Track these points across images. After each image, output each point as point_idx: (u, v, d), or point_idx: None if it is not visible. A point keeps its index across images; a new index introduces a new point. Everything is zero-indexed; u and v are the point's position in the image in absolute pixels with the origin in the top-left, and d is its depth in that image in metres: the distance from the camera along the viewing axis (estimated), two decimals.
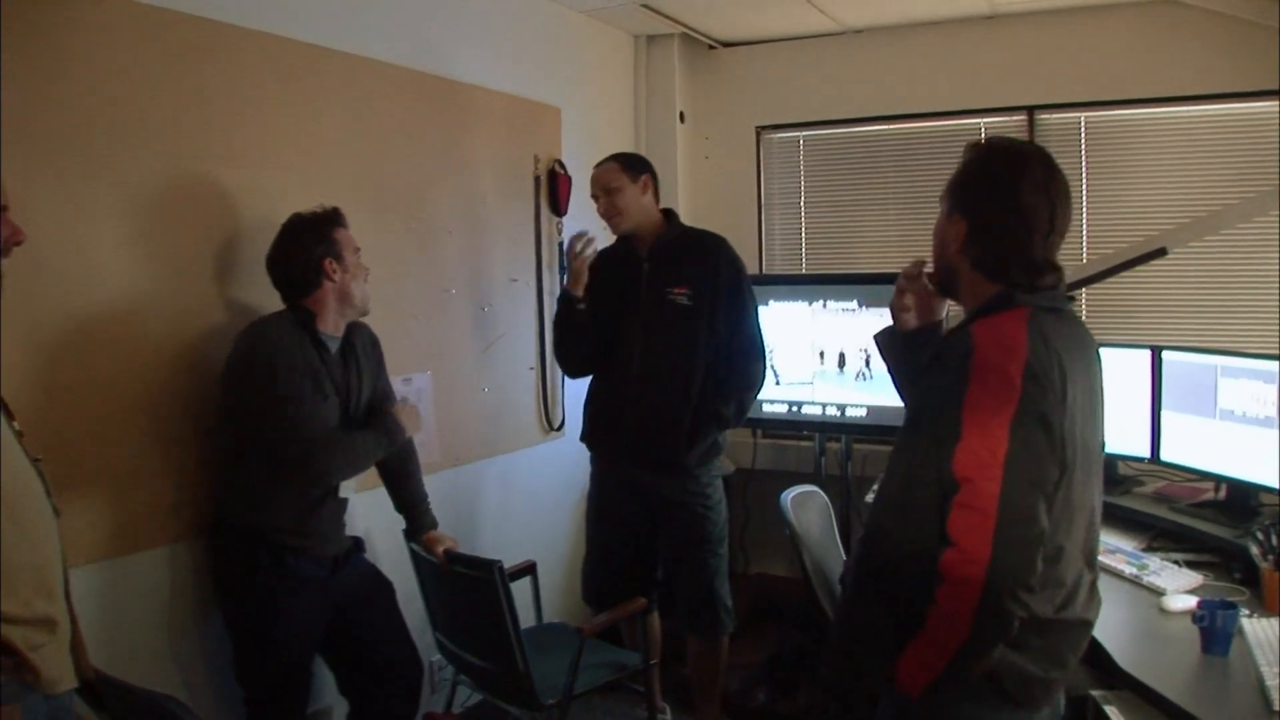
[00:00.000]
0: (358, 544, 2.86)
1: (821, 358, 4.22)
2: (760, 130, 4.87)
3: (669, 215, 3.38)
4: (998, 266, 1.80)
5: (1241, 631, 2.33)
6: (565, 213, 4.11)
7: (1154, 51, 4.03)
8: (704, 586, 3.33)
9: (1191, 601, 2.50)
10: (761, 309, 3.39)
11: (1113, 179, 4.14)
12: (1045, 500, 1.64)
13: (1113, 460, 3.32)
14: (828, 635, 2.11)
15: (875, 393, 4.09)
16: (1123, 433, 3.22)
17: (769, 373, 3.43)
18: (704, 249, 3.31)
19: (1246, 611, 2.43)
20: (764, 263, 4.87)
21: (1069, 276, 2.52)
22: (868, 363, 4.10)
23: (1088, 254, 4.18)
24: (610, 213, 3.29)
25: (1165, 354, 3.24)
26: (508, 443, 3.92)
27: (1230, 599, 2.45)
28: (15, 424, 1.72)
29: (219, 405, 2.65)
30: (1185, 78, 3.97)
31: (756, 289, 3.40)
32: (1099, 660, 2.24)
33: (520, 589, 3.06)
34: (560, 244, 4.10)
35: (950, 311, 2.22)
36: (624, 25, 4.63)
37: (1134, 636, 2.41)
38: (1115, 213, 4.11)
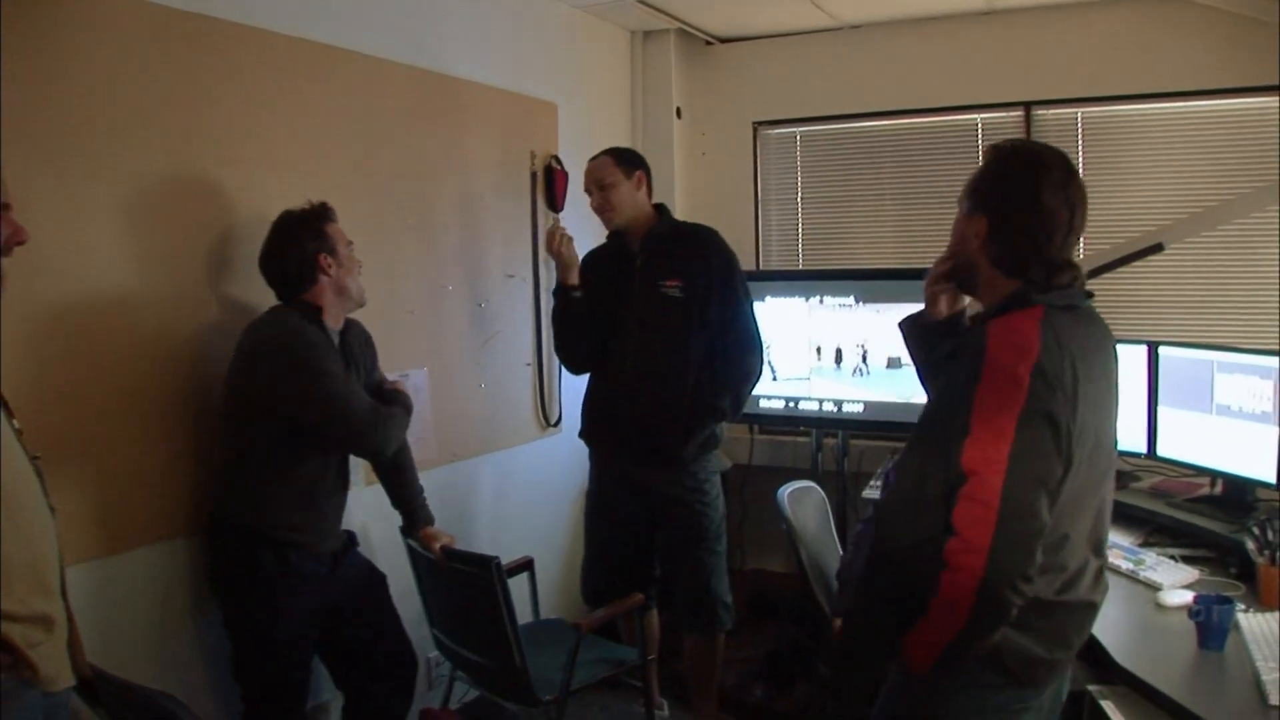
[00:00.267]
0: (351, 539, 2.87)
1: (818, 353, 4.22)
2: (757, 126, 4.87)
3: (660, 209, 3.38)
4: (1017, 264, 1.85)
5: (1237, 626, 2.33)
6: (562, 209, 4.10)
7: (1150, 47, 4.03)
8: (702, 584, 3.33)
9: (1188, 596, 2.50)
10: (758, 305, 3.39)
11: (1109, 175, 4.14)
12: (1047, 496, 1.70)
13: None
14: (842, 620, 2.16)
15: (872, 388, 4.09)
16: (1119, 428, 3.22)
17: (766, 368, 3.43)
18: (696, 241, 3.31)
19: (1242, 606, 2.44)
20: (761, 258, 4.87)
21: None
22: (864, 358, 4.10)
23: (1084, 250, 4.17)
24: (604, 208, 3.29)
25: (1162, 349, 3.25)
26: (505, 439, 3.92)
27: (1226, 594, 2.46)
28: (15, 422, 1.72)
29: (237, 399, 2.62)
30: (1182, 73, 3.97)
31: (753, 285, 3.40)
32: (1095, 655, 2.24)
33: (517, 585, 3.06)
34: (556, 220, 4.09)
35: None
36: (620, 21, 4.62)
37: (1130, 631, 2.42)
38: (1112, 208, 4.11)
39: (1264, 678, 2.08)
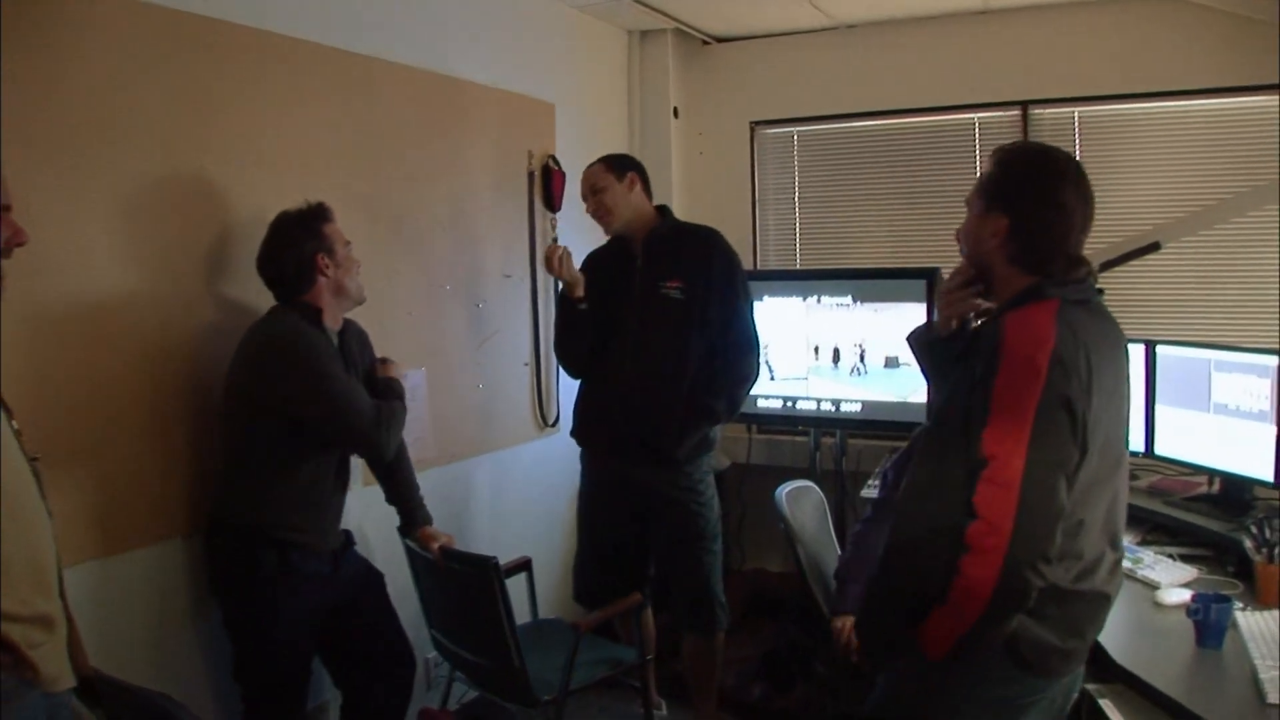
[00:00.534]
0: (348, 538, 2.87)
1: (816, 353, 4.22)
2: (754, 126, 4.87)
3: (663, 211, 3.38)
4: (1037, 261, 1.89)
5: (1235, 625, 2.34)
6: (559, 208, 4.10)
7: (1147, 46, 4.03)
8: (699, 584, 3.32)
9: (1186, 595, 2.51)
10: (756, 304, 3.39)
11: (1106, 174, 4.14)
12: (1066, 480, 1.75)
13: None
14: (858, 611, 2.21)
15: (870, 387, 4.09)
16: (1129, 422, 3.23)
17: (764, 368, 3.43)
18: (697, 242, 3.31)
19: (1240, 605, 2.44)
20: (758, 258, 4.87)
21: None
22: (862, 357, 4.11)
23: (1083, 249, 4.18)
24: (600, 212, 3.30)
25: (1159, 348, 3.25)
26: (502, 439, 3.92)
27: (1224, 592, 2.47)
28: (14, 422, 1.72)
29: (238, 399, 2.62)
30: (1178, 72, 3.98)
31: (751, 284, 3.40)
32: (1093, 653, 2.24)
33: (516, 585, 3.06)
34: (554, 239, 4.10)
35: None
36: (618, 21, 4.62)
37: (1128, 630, 2.42)
38: (1109, 207, 4.10)
39: (1262, 676, 2.08)
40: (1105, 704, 2.23)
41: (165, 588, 2.65)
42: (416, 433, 3.19)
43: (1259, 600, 2.53)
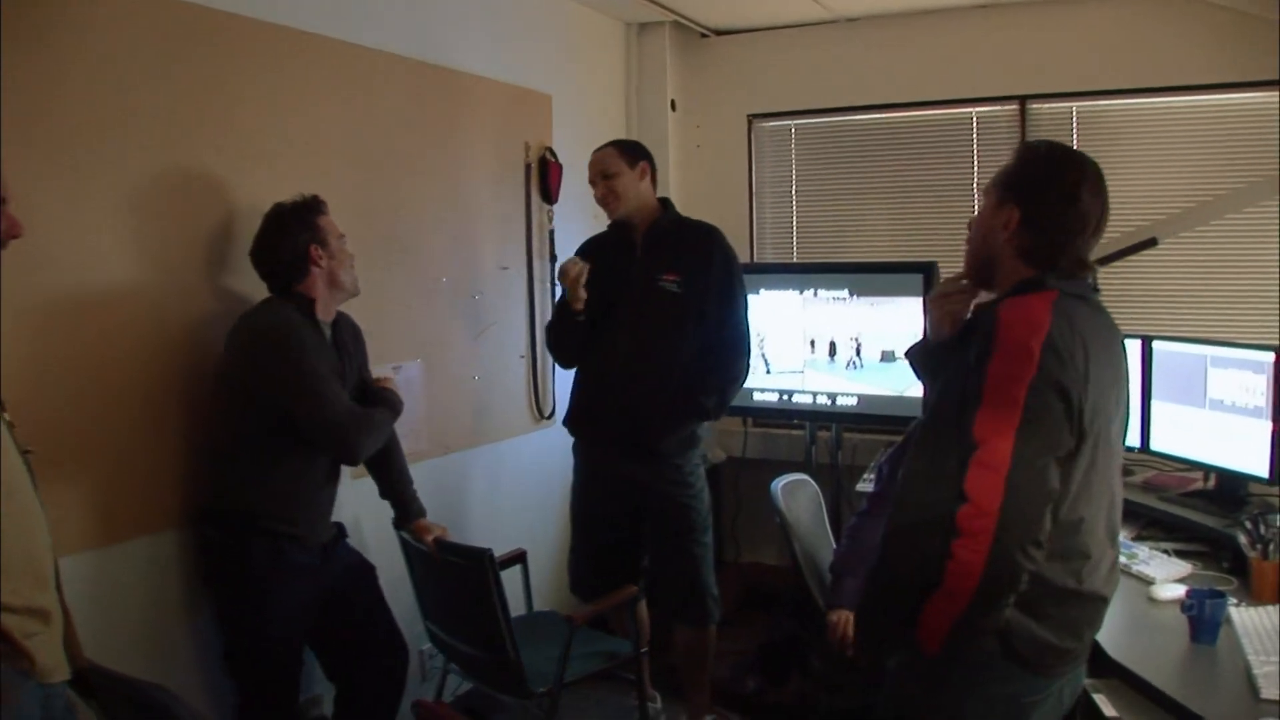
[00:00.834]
0: (340, 530, 2.86)
1: (812, 346, 4.22)
2: (752, 119, 4.86)
3: (665, 204, 3.37)
4: (1044, 256, 1.89)
5: (1230, 620, 2.34)
6: (556, 200, 4.10)
7: (1146, 42, 4.03)
8: (690, 576, 3.32)
9: (1180, 590, 2.51)
10: (752, 298, 3.39)
11: (1104, 169, 4.11)
12: (1056, 464, 1.74)
13: None
14: (859, 602, 2.19)
15: (866, 381, 4.09)
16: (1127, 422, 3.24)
17: (760, 361, 3.43)
18: (698, 238, 3.30)
19: (1235, 600, 2.45)
20: (755, 251, 4.87)
21: None
22: (858, 351, 4.11)
23: None
24: (607, 198, 3.28)
25: (1155, 344, 3.25)
26: (498, 431, 3.92)
27: (1219, 588, 2.48)
28: (7, 415, 1.72)
29: (228, 389, 2.63)
30: (1177, 68, 3.98)
31: (748, 278, 3.39)
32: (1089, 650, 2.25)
33: (510, 577, 3.06)
34: (550, 232, 4.10)
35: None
36: (615, 12, 4.61)
37: (1123, 625, 2.42)
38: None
39: (1256, 671, 2.09)
40: (1100, 699, 2.23)
41: (159, 579, 2.64)
42: (411, 425, 3.18)
43: (1253, 596, 2.54)
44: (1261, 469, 2.85)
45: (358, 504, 3.08)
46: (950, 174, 4.41)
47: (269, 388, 2.55)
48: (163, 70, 2.59)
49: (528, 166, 4.02)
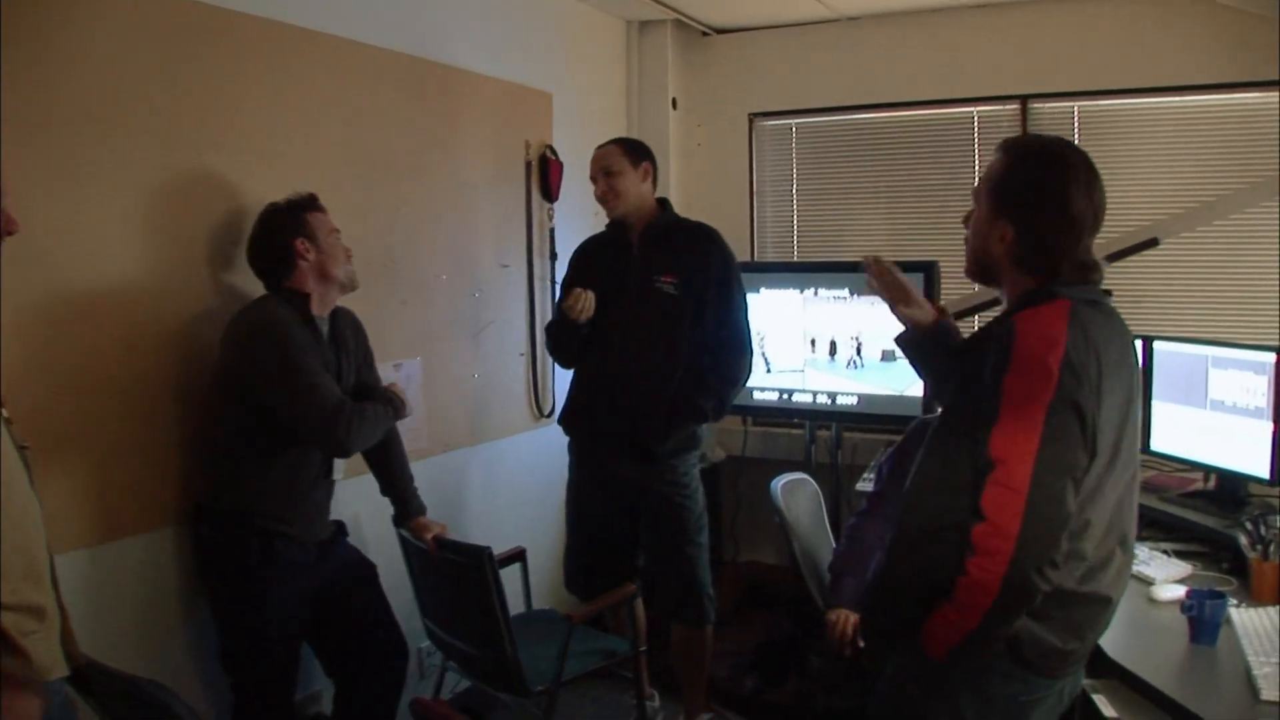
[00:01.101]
0: (340, 528, 2.86)
1: (812, 346, 4.21)
2: (753, 117, 4.86)
3: (663, 204, 3.36)
4: (1045, 267, 1.87)
5: (1229, 621, 2.34)
6: (556, 198, 4.09)
7: (1147, 41, 4.03)
8: (685, 577, 3.31)
9: (1180, 591, 2.51)
10: (753, 297, 3.38)
11: (1105, 169, 3.98)
12: (1074, 485, 1.73)
13: None
14: (867, 597, 2.18)
15: (866, 381, 4.09)
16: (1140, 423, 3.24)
17: (760, 360, 3.41)
18: (695, 239, 3.29)
19: (1235, 601, 2.45)
20: (755, 250, 4.86)
21: None
22: (859, 350, 4.10)
23: None
24: (607, 196, 3.26)
25: (1156, 344, 3.25)
26: (498, 429, 3.91)
27: (1219, 589, 2.48)
28: (4, 411, 1.71)
29: (221, 385, 2.63)
30: (1179, 68, 3.97)
31: (748, 277, 3.38)
32: None
33: (509, 576, 3.06)
34: (551, 230, 4.09)
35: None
36: (616, 10, 4.60)
37: (1123, 626, 2.40)
38: (1107, 202, 4.10)
39: (1255, 672, 2.09)
40: (1099, 699, 2.23)
41: (157, 576, 2.64)
42: (411, 423, 3.18)
43: (1253, 597, 2.54)
44: (1262, 470, 2.85)
45: (357, 502, 3.07)
46: (951, 173, 4.41)
47: (258, 382, 2.56)
48: (163, 67, 2.59)
49: (528, 164, 4.01)
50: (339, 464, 2.80)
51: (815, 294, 4.20)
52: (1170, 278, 4.09)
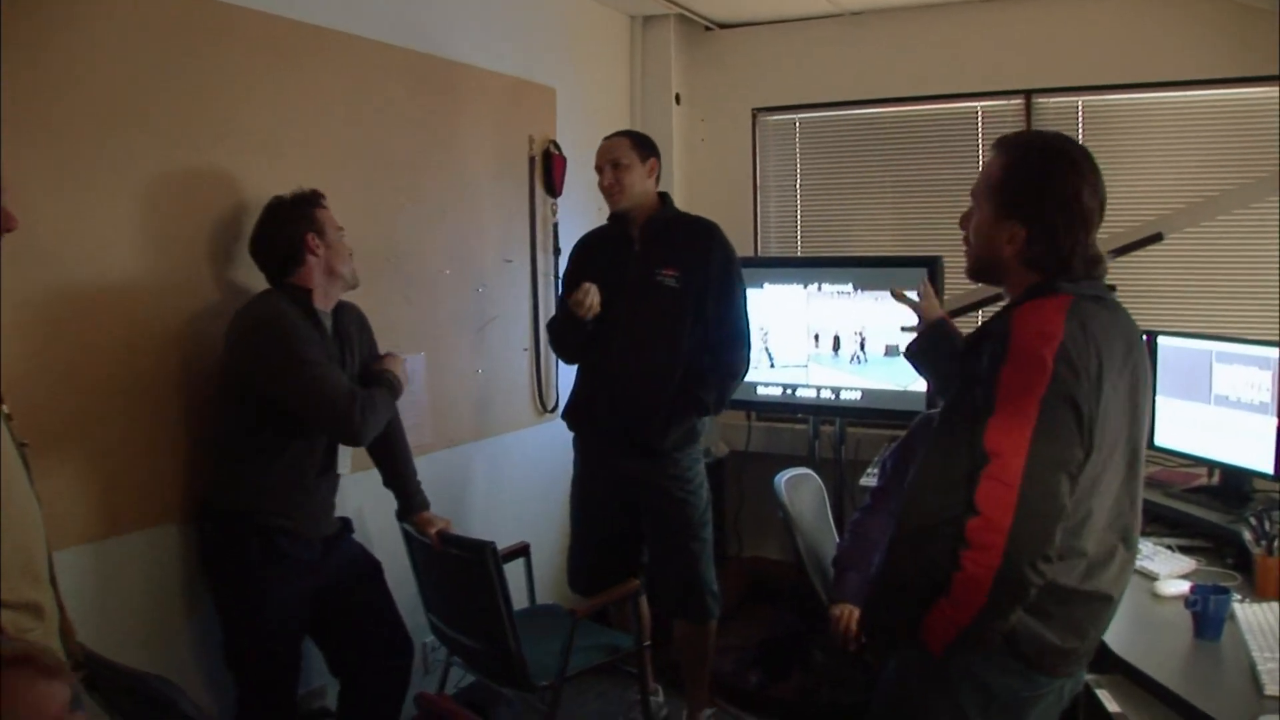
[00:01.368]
0: (346, 524, 2.86)
1: (816, 340, 4.21)
2: (756, 112, 4.85)
3: (664, 198, 3.35)
4: (1057, 265, 1.85)
5: (1234, 616, 2.34)
6: (560, 193, 4.09)
7: (1152, 36, 4.01)
8: (688, 573, 3.31)
9: (1184, 586, 2.51)
10: (756, 291, 3.38)
11: (1109, 163, 4.02)
12: (1068, 479, 1.72)
13: None
14: (869, 592, 2.18)
15: (869, 376, 4.08)
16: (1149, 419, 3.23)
17: (763, 355, 3.41)
18: (696, 233, 3.29)
19: (1239, 596, 2.45)
20: (759, 245, 4.86)
21: None
22: (862, 345, 4.10)
23: None
24: (613, 188, 3.25)
25: (1161, 339, 3.23)
26: (501, 424, 3.92)
27: (1223, 584, 2.48)
28: (5, 408, 1.72)
29: (226, 381, 2.63)
30: (1183, 63, 3.96)
31: (751, 271, 3.38)
32: None
33: (513, 570, 3.06)
34: (554, 225, 4.09)
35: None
36: (620, 6, 4.60)
37: (1127, 621, 2.40)
38: (1112, 197, 4.00)
39: (1260, 667, 2.08)
40: (1103, 694, 2.23)
41: (160, 572, 2.65)
42: (414, 418, 3.18)
43: (1257, 592, 2.53)
44: (1266, 465, 2.84)
45: (361, 497, 3.08)
46: (955, 168, 4.39)
47: (262, 377, 2.56)
48: (164, 64, 2.59)
49: (531, 159, 4.01)
50: (344, 459, 2.80)
51: (819, 289, 4.19)
52: (1174, 272, 4.08)
